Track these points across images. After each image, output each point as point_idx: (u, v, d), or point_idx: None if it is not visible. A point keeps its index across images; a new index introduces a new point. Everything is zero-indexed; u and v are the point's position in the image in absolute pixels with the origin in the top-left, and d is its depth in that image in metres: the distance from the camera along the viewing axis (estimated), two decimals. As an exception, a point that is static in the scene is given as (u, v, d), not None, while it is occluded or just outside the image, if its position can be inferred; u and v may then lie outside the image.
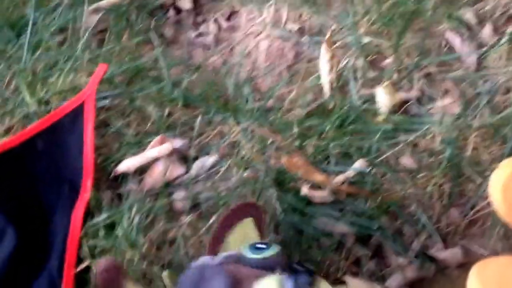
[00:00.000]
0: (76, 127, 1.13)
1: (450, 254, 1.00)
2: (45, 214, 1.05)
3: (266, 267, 0.73)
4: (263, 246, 0.77)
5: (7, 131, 1.19)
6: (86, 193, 1.05)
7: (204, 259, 0.79)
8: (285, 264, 0.75)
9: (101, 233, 1.02)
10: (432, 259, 1.00)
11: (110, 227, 1.03)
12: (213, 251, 0.87)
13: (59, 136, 1.13)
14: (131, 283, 0.83)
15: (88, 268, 0.99)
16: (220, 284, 0.71)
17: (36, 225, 1.03)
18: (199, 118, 1.18)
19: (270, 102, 1.23)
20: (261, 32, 1.36)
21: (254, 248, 0.76)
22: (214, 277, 0.72)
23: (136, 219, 1.02)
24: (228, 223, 0.90)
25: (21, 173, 1.09)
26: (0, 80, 1.27)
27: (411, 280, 0.99)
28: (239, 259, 0.76)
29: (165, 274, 0.85)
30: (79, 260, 1.00)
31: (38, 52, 1.30)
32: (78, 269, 0.98)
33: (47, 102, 1.21)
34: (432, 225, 1.02)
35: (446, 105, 1.15)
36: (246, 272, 0.73)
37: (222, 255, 0.79)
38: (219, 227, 0.90)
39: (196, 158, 1.14)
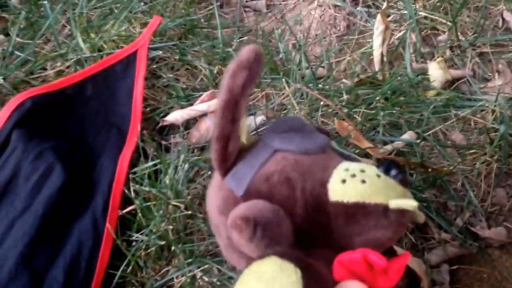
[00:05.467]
0: (128, 74, 1.13)
1: (493, 233, 0.99)
2: (92, 156, 1.05)
3: None
4: None
5: (59, 73, 1.19)
6: (134, 137, 1.06)
7: None
8: None
9: (146, 180, 1.02)
10: (475, 237, 0.98)
11: (154, 175, 1.03)
12: None
13: (110, 82, 1.13)
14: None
15: (132, 211, 0.99)
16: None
17: (83, 166, 1.03)
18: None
19: (320, 71, 1.22)
20: (314, 0, 1.35)
21: None
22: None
23: (182, 170, 1.02)
24: None
25: (71, 114, 1.10)
26: (55, 24, 1.27)
27: (452, 257, 0.98)
28: None
29: None
30: (124, 203, 1.00)
31: (94, 0, 1.30)
32: (123, 212, 0.98)
33: (100, 49, 1.22)
34: (477, 203, 1.01)
35: (499, 85, 1.14)
36: None
37: None
38: None
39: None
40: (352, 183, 0.70)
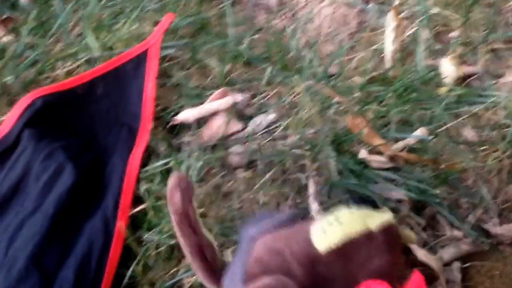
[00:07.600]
0: (138, 73, 1.13)
1: (506, 230, 0.98)
2: (102, 155, 1.05)
3: None
4: None
5: (69, 73, 1.20)
6: (145, 136, 1.06)
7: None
8: None
9: (157, 179, 1.02)
10: (487, 234, 0.98)
11: (166, 173, 1.03)
12: None
13: (121, 81, 1.13)
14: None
15: (143, 210, 0.99)
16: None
17: (94, 165, 1.03)
18: (264, 76, 1.17)
19: (331, 68, 1.22)
20: (325, -2, 1.36)
21: None
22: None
23: (194, 169, 1.02)
24: None
25: (81, 113, 1.10)
26: (65, 23, 1.28)
27: (464, 254, 0.97)
28: None
29: None
30: (134, 202, 1.00)
31: (105, -1, 1.31)
32: (134, 210, 0.98)
33: (110, 48, 1.22)
34: (490, 199, 1.00)
35: (511, 81, 1.13)
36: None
37: None
38: None
39: (251, 117, 1.14)
40: (331, 228, 0.75)
